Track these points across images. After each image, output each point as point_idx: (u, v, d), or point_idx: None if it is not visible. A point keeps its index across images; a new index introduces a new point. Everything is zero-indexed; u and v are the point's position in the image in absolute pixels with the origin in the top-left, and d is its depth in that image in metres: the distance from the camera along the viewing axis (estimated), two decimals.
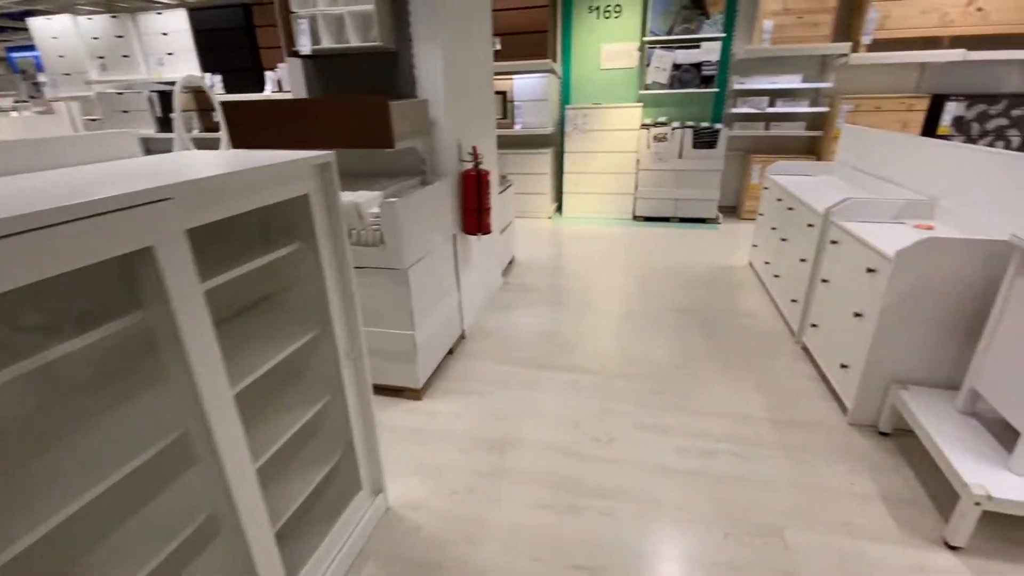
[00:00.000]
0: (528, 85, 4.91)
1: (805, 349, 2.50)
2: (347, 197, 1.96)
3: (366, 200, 1.93)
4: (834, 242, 2.22)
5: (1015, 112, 4.10)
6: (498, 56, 4.81)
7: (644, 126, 4.80)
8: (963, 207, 2.04)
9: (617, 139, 4.90)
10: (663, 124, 4.76)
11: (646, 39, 4.76)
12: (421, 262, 2.11)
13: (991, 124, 4.17)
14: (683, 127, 4.69)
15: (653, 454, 1.86)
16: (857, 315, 1.93)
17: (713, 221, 4.93)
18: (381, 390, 2.22)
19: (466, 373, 2.42)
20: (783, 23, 4.27)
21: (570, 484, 1.74)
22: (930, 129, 4.31)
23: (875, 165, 2.84)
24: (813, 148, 4.88)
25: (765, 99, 4.61)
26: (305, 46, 2.23)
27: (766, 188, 3.45)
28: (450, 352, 2.57)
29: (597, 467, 1.81)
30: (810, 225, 2.49)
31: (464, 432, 2.00)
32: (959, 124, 4.22)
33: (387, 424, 2.06)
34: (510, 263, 3.89)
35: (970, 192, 2.02)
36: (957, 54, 4.01)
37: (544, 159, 5.11)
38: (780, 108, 4.60)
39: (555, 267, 3.83)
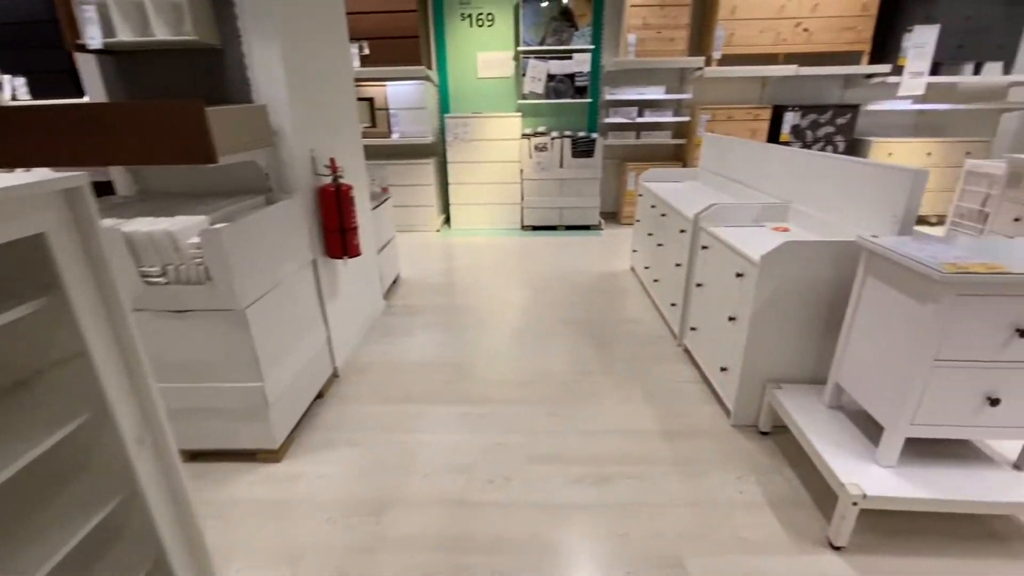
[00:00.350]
0: (403, 92, 4.65)
1: (687, 351, 2.54)
2: (159, 225, 1.57)
3: (183, 228, 1.56)
4: (705, 247, 2.27)
5: (839, 120, 4.69)
6: (367, 61, 4.50)
7: (525, 136, 4.78)
8: (811, 208, 2.18)
9: (500, 149, 4.82)
10: (543, 134, 4.77)
11: (520, 49, 4.74)
12: (266, 298, 1.76)
13: (821, 131, 4.73)
14: (562, 137, 4.74)
15: (549, 491, 1.71)
16: (731, 319, 1.96)
17: (596, 228, 5.04)
18: (227, 456, 1.83)
19: (338, 420, 2.10)
20: (645, 37, 4.49)
21: (460, 543, 1.52)
22: (774, 136, 4.79)
23: (733, 170, 3.01)
24: (680, 155, 5.20)
25: (634, 109, 4.81)
26: (94, 39, 1.78)
27: (641, 195, 3.54)
28: (319, 396, 2.22)
29: (490, 517, 1.61)
30: (682, 231, 2.54)
31: (334, 497, 1.70)
32: (796, 131, 4.74)
33: (234, 499, 1.68)
34: (394, 283, 3.60)
35: (815, 194, 2.17)
36: (790, 69, 4.49)
37: (427, 169, 4.87)
38: (648, 118, 4.84)
39: (444, 284, 3.61)
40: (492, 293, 3.42)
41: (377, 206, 3.20)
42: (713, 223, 2.29)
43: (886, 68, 4.46)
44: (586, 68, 4.76)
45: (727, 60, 4.56)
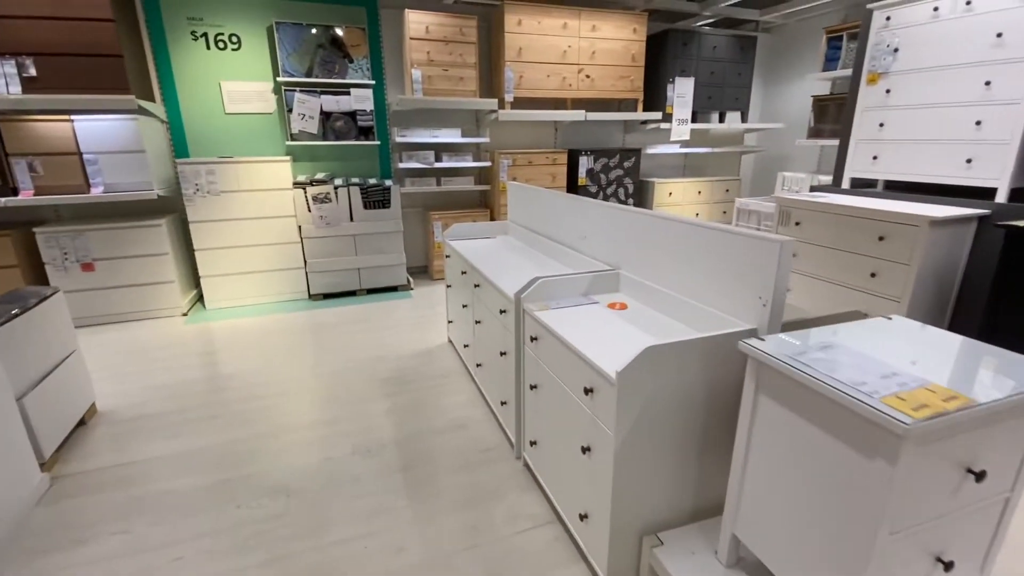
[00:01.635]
0: (103, 130, 3.29)
1: (528, 469, 1.94)
2: None
3: None
4: (534, 338, 1.70)
5: (626, 163, 4.85)
6: (34, 85, 3.07)
7: (298, 184, 3.82)
8: (646, 276, 1.79)
9: (266, 202, 3.76)
10: (323, 182, 3.87)
11: (282, 80, 3.81)
12: None
13: (612, 174, 4.83)
14: (348, 185, 3.92)
15: None
16: (586, 449, 1.40)
17: (405, 288, 4.30)
18: None
19: None
20: (431, 74, 3.99)
21: None
22: (572, 179, 4.73)
23: (545, 224, 2.60)
24: (486, 201, 4.82)
25: (431, 153, 4.26)
26: None
27: (448, 256, 2.93)
28: None
29: None
30: (503, 311, 1.96)
31: None
32: (591, 175, 4.76)
33: None
34: (81, 424, 2.27)
35: (646, 258, 1.79)
36: (579, 114, 4.47)
37: (157, 233, 3.53)
38: (447, 163, 4.33)
39: (173, 408, 2.42)
40: (254, 412, 2.38)
41: (29, 309, 1.93)
42: (539, 304, 1.75)
43: (657, 115, 4.76)
44: (369, 106, 4.05)
45: (519, 103, 4.34)
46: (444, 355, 2.98)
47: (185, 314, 3.73)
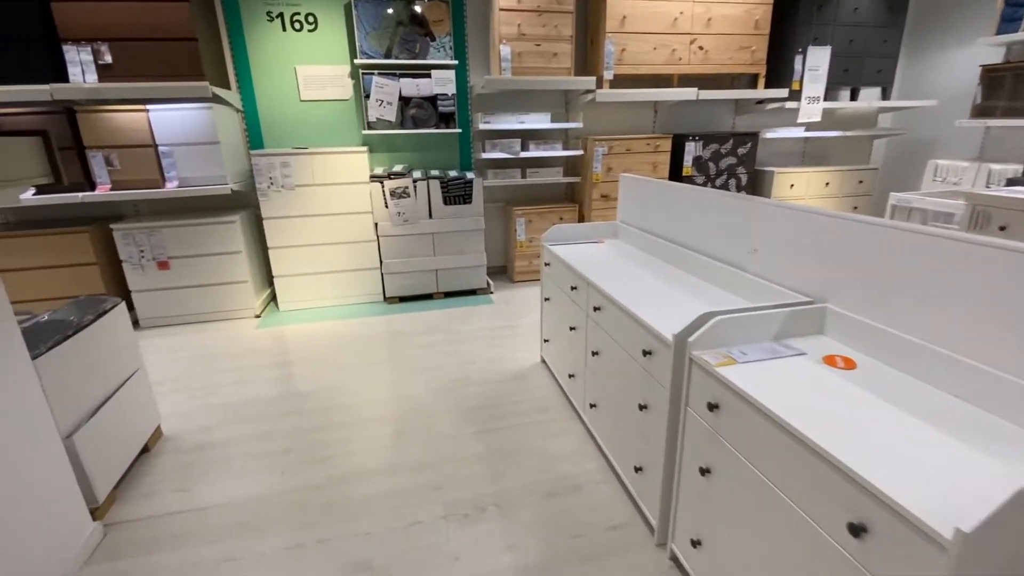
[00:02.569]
0: (177, 121, 3.09)
1: (678, 564, 1.44)
2: None
3: None
4: (715, 407, 1.19)
5: (740, 150, 4.15)
6: (109, 73, 2.88)
7: (375, 178, 3.48)
8: (870, 315, 1.23)
9: (342, 197, 3.46)
10: (401, 175, 3.52)
11: (359, 63, 3.47)
12: None
13: (723, 162, 4.16)
14: (427, 178, 3.54)
15: None
16: None
17: (485, 292, 3.89)
18: None
19: None
20: (521, 50, 3.51)
21: None
22: (676, 170, 4.11)
23: (675, 228, 2.06)
24: (573, 195, 4.31)
25: (517, 141, 3.80)
26: None
27: (547, 264, 2.45)
28: None
29: None
30: (647, 353, 1.46)
31: None
32: (698, 164, 4.11)
33: None
34: (144, 452, 2.03)
35: (862, 287, 1.22)
36: (690, 93, 3.84)
37: (231, 231, 3.32)
38: (534, 152, 3.85)
39: (245, 437, 2.12)
40: (329, 446, 2.03)
41: (81, 328, 1.66)
42: (716, 354, 1.23)
43: (783, 92, 4.01)
44: (451, 89, 3.64)
45: (618, 82, 3.77)
46: (539, 380, 2.52)
47: (258, 315, 3.52)
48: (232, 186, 3.23)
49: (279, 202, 3.38)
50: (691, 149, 4.03)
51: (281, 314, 3.55)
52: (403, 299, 3.76)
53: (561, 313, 2.27)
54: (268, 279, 3.86)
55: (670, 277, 1.91)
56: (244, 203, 3.73)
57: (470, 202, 3.63)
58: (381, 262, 3.63)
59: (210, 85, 3.01)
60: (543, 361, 2.71)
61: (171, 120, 3.07)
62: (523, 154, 3.81)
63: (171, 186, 3.16)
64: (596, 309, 1.82)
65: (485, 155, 3.78)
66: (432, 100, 3.67)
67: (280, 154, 3.29)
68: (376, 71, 3.51)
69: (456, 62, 3.64)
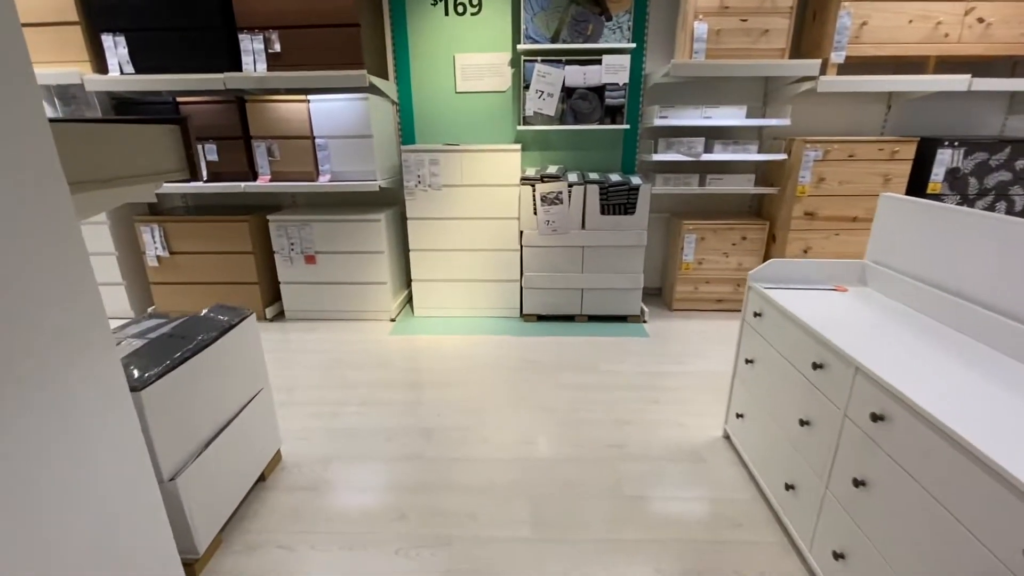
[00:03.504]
0: (334, 112, 2.96)
1: None
2: None
3: None
4: None
5: (1020, 163, 2.97)
6: (279, 62, 2.82)
7: (526, 181, 3.06)
8: None
9: (489, 199, 3.10)
10: (553, 178, 3.05)
11: (523, 48, 3.06)
12: None
13: (992, 179, 3.00)
14: (584, 182, 3.02)
15: None
16: None
17: (637, 319, 3.27)
18: None
19: None
20: (721, 28, 2.80)
21: None
22: (917, 185, 3.06)
23: (966, 279, 1.26)
24: (761, 209, 3.47)
25: (699, 141, 3.10)
26: None
27: (757, 314, 1.77)
28: None
29: None
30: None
31: None
32: (953, 178, 3.01)
33: None
34: (261, 481, 1.82)
35: None
36: (959, 80, 2.79)
37: (375, 230, 3.14)
38: (719, 154, 3.12)
39: (363, 484, 1.82)
40: (454, 520, 1.63)
41: (186, 355, 1.43)
42: None
43: None
44: (622, 78, 3.07)
45: (847, 66, 2.86)
46: (724, 470, 1.86)
47: (393, 319, 3.32)
48: (381, 183, 3.04)
49: (424, 202, 3.12)
50: (945, 159, 2.96)
51: (415, 320, 3.32)
52: (541, 318, 3.31)
53: (779, 390, 1.59)
54: (407, 280, 3.67)
55: (999, 369, 1.14)
56: (391, 200, 3.57)
57: (633, 212, 3.04)
58: (522, 274, 3.21)
59: (367, 74, 2.82)
60: (727, 439, 2.04)
61: (328, 111, 2.94)
62: (705, 156, 3.10)
63: (323, 180, 3.07)
64: (878, 418, 1.14)
65: (658, 156, 3.14)
66: (599, 91, 3.13)
67: (430, 150, 3.02)
68: (540, 58, 3.07)
69: (633, 45, 3.05)
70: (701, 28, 2.78)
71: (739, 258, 3.31)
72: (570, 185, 3.00)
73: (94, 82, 2.84)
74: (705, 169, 3.31)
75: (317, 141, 3.01)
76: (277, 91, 3.12)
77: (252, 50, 2.85)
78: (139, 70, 2.88)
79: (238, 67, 2.89)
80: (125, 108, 2.96)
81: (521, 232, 3.13)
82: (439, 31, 3.22)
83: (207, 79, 2.83)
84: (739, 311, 3.26)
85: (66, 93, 3.04)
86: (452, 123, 3.41)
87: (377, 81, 2.98)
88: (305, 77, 2.82)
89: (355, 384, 2.50)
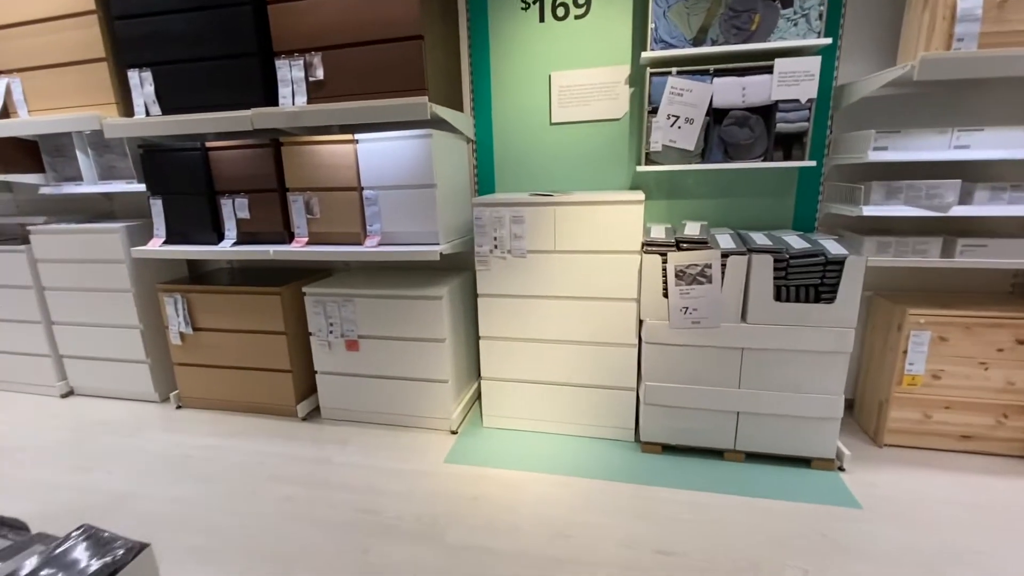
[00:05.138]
0: (388, 155, 2.19)
1: None
2: None
3: None
4: None
5: None
6: (321, 92, 2.13)
7: (651, 246, 2.03)
8: None
9: (594, 272, 2.12)
10: (698, 243, 1.99)
11: (650, 56, 2.11)
12: None
13: None
14: (747, 250, 1.93)
15: None
16: None
17: (829, 466, 2.04)
18: None
19: None
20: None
21: None
22: None
23: None
24: None
25: (952, 185, 1.89)
26: None
27: None
28: None
29: None
30: None
31: None
32: None
33: None
34: None
35: None
36: None
37: (434, 311, 2.29)
38: (984, 206, 1.87)
39: None
40: None
41: None
42: None
43: None
44: (806, 92, 1.98)
45: None
46: None
47: (455, 431, 2.41)
48: (443, 248, 2.20)
49: (502, 273, 2.21)
50: None
51: (483, 436, 2.37)
52: (669, 448, 2.20)
53: None
54: (476, 373, 2.77)
55: None
56: (460, 266, 2.73)
57: (832, 298, 1.88)
58: (639, 382, 2.16)
59: (430, 103, 2.02)
60: None
61: (381, 154, 2.19)
62: (959, 210, 1.88)
63: (369, 244, 2.29)
64: None
65: (874, 210, 1.96)
66: (765, 112, 2.08)
67: (511, 204, 2.13)
68: (675, 69, 2.09)
69: (827, 41, 1.97)
70: (972, 4, 1.64)
71: (1010, 373, 1.99)
72: (724, 254, 1.93)
73: (113, 127, 2.35)
74: (953, 228, 2.07)
75: (365, 193, 2.26)
76: (320, 130, 2.45)
77: (291, 79, 2.20)
78: (166, 110, 2.36)
79: (274, 101, 2.25)
80: (151, 157, 2.44)
81: (641, 321, 2.10)
82: (531, 43, 2.38)
83: (233, 118, 2.21)
84: (1010, 456, 1.94)
85: (100, 141, 2.61)
86: (545, 165, 2.52)
87: (445, 112, 2.18)
88: (346, 110, 2.10)
89: (390, 566, 1.58)
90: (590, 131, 2.43)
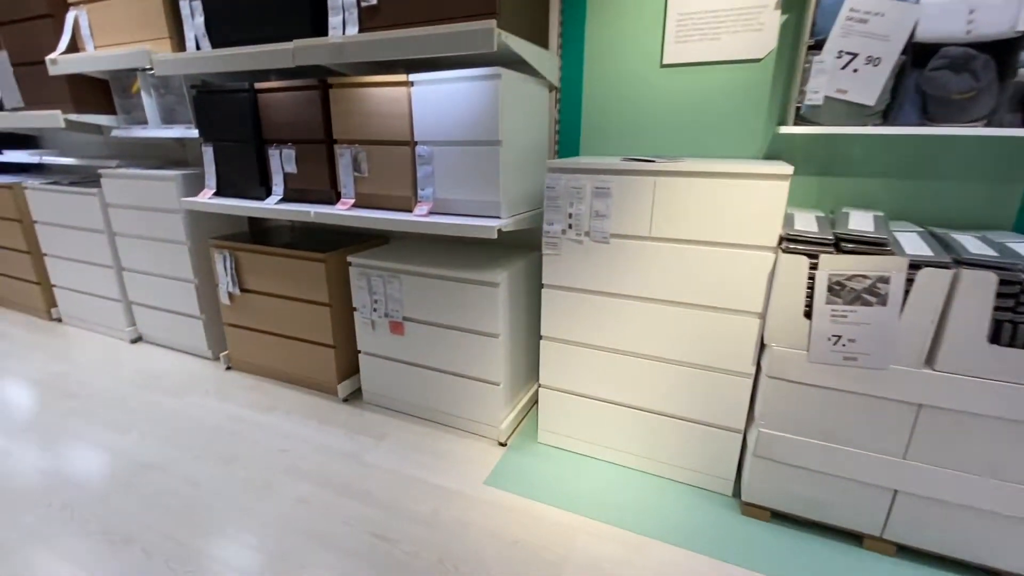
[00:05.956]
0: (446, 101, 1.75)
1: None
2: None
3: None
4: None
5: None
6: (379, 20, 1.74)
7: (794, 241, 1.42)
8: None
9: (701, 270, 1.55)
10: (873, 243, 1.34)
11: None
12: None
13: None
14: (955, 262, 1.26)
15: None
16: None
17: None
18: None
19: None
20: None
21: None
22: None
23: None
24: None
25: None
26: None
27: None
28: None
29: None
30: None
31: None
32: None
33: None
34: None
35: None
36: None
37: (488, 299, 1.87)
38: None
39: None
40: None
41: None
42: None
43: None
44: None
45: None
46: None
47: (504, 443, 2.01)
48: (504, 223, 1.74)
49: (576, 261, 1.72)
50: None
51: (536, 452, 1.95)
52: (779, 516, 1.63)
53: None
54: (536, 373, 2.34)
55: None
56: (529, 244, 2.27)
57: None
58: (750, 424, 1.59)
59: (499, 30, 1.54)
60: None
61: (438, 101, 1.75)
62: None
63: (419, 212, 1.89)
64: None
65: None
66: (1000, 51, 1.34)
67: (596, 170, 1.61)
68: None
69: None
70: None
71: None
72: (914, 265, 1.28)
73: (162, 63, 2.13)
74: None
75: (418, 149, 1.85)
76: (373, 71, 2.06)
77: (342, 4, 1.81)
78: (215, 44, 2.10)
79: (324, 32, 1.89)
80: (203, 99, 2.22)
81: (764, 346, 1.52)
82: None
83: (274, 51, 1.88)
84: None
85: (160, 81, 2.44)
86: (648, 122, 1.94)
87: (520, 46, 1.68)
88: (392, 40, 1.67)
89: None
90: (716, 76, 1.80)
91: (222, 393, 2.40)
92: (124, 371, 2.60)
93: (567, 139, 2.09)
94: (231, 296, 2.47)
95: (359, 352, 2.26)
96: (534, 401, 2.30)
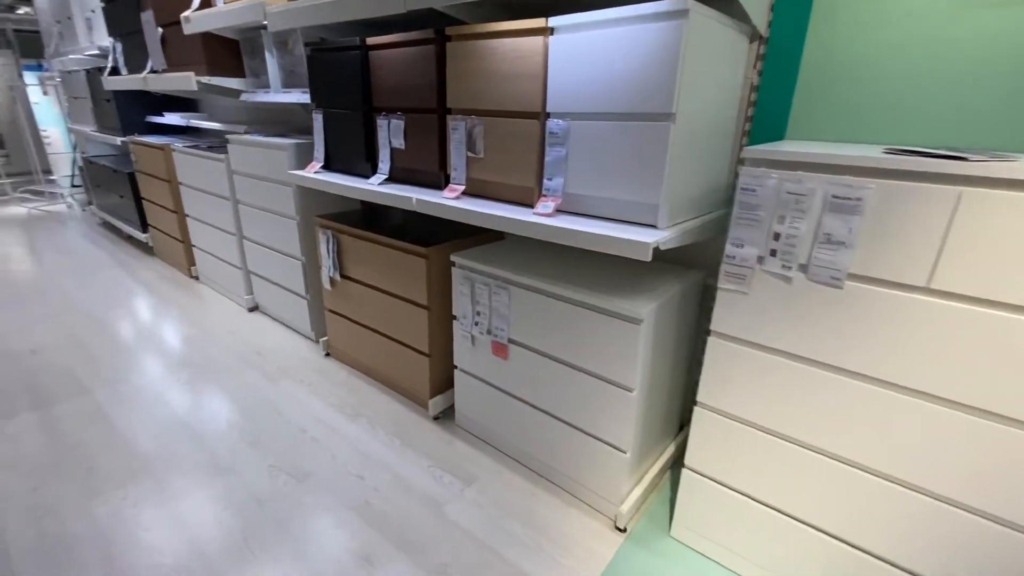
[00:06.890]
0: (596, 53, 1.21)
1: None
2: None
3: None
4: None
5: None
6: None
7: None
8: None
9: (995, 341, 0.86)
10: None
11: None
12: None
13: None
14: None
15: None
16: None
17: None
18: None
19: None
20: None
21: None
22: None
23: None
24: None
25: None
26: None
27: None
28: None
29: None
30: None
31: None
32: None
33: None
34: None
35: None
36: None
37: (625, 337, 1.33)
38: None
39: None
40: None
41: None
42: None
43: None
44: None
45: None
46: None
47: (622, 529, 1.50)
48: (664, 238, 1.18)
49: (771, 304, 1.11)
50: None
51: (666, 550, 1.41)
52: None
53: None
54: (668, 436, 1.76)
55: None
56: (687, 260, 1.67)
57: None
58: None
59: None
60: None
61: (585, 54, 1.22)
62: None
63: (542, 209, 1.40)
64: None
65: None
66: None
67: (839, 167, 0.96)
68: None
69: None
70: None
71: None
72: None
73: (274, 17, 1.88)
74: None
75: (550, 124, 1.35)
76: (484, 7, 1.57)
77: None
78: None
79: None
80: (315, 59, 1.95)
81: None
82: None
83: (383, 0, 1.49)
84: None
85: (281, 40, 2.24)
86: (933, 93, 1.21)
87: None
88: None
89: None
90: None
91: (314, 385, 2.21)
92: (236, 342, 2.56)
93: (768, 116, 1.42)
94: (332, 281, 2.24)
95: (455, 367, 1.88)
96: (666, 472, 1.74)
